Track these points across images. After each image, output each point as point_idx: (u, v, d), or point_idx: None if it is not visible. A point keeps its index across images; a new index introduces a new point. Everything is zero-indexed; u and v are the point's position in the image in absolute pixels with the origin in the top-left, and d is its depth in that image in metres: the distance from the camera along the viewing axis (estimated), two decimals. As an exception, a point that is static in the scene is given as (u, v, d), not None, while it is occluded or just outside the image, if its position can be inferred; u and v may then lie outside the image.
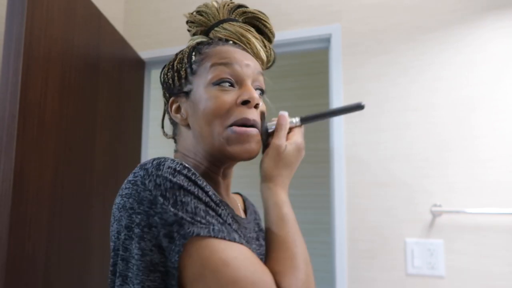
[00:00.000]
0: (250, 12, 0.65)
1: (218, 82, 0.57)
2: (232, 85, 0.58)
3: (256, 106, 0.58)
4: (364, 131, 1.50)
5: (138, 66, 1.80)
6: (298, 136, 0.61)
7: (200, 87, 0.58)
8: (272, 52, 0.67)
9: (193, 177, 0.47)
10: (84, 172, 1.29)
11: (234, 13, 0.66)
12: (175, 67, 0.63)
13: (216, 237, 0.44)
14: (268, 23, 0.65)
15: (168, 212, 0.44)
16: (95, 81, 1.37)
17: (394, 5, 1.53)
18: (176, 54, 0.65)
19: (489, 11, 1.41)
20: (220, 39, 0.63)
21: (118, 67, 1.57)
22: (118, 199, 0.50)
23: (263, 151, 0.62)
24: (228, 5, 0.66)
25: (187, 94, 0.61)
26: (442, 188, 1.38)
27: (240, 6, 0.66)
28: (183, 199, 0.45)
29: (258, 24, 0.66)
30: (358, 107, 0.58)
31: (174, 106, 0.63)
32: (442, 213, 1.36)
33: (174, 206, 0.45)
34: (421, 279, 1.36)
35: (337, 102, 1.54)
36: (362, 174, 1.48)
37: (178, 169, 0.47)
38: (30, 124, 1.02)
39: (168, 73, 0.64)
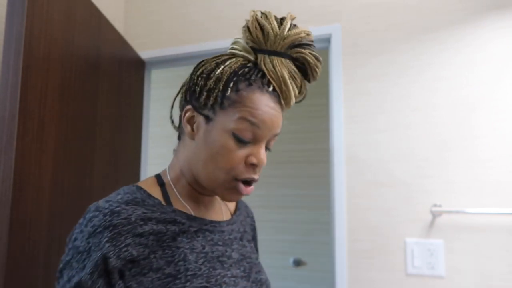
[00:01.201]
0: (303, 53, 0.59)
1: (238, 138, 0.58)
2: (249, 142, 0.59)
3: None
4: (364, 131, 1.50)
5: (138, 66, 1.80)
6: None
7: (220, 125, 0.58)
8: (303, 95, 0.64)
9: (98, 245, 0.52)
10: (84, 172, 1.29)
11: (291, 50, 0.59)
12: (209, 84, 0.59)
13: None
14: (315, 73, 0.61)
15: (61, 262, 0.56)
16: (95, 81, 1.37)
17: (394, 5, 1.53)
18: (217, 63, 0.60)
19: (489, 11, 1.41)
20: (262, 82, 0.59)
21: (118, 67, 1.57)
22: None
23: None
24: (289, 38, 0.58)
25: (207, 119, 0.60)
26: (442, 188, 1.38)
27: (301, 45, 0.59)
28: (73, 263, 0.54)
29: (307, 68, 0.60)
30: None
31: (188, 114, 0.62)
32: (442, 213, 1.36)
33: (64, 262, 0.54)
34: (421, 279, 1.36)
35: (337, 102, 1.54)
36: (362, 174, 1.48)
37: (93, 230, 0.53)
38: (30, 124, 1.02)
39: (199, 80, 0.60)
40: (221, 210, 0.72)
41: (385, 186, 1.44)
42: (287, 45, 0.59)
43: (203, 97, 0.60)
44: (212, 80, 0.59)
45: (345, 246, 1.45)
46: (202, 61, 0.63)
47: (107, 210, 0.54)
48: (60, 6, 1.17)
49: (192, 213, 0.64)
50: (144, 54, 1.86)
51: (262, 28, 0.59)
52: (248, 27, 0.61)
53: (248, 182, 0.60)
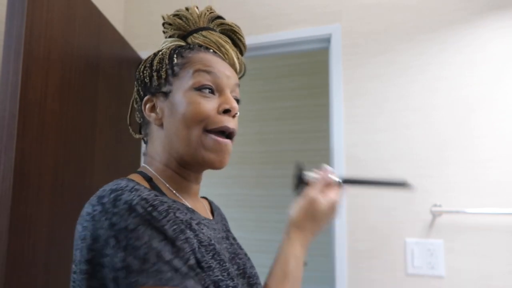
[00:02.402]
0: (227, 25, 0.68)
1: (200, 88, 0.58)
2: (212, 92, 0.60)
3: (234, 116, 0.60)
4: (364, 131, 1.50)
5: (138, 66, 1.80)
6: (336, 195, 0.63)
7: (181, 90, 0.59)
8: (243, 65, 0.70)
9: (151, 213, 0.45)
10: (84, 172, 1.29)
11: (213, 23, 0.68)
12: (155, 67, 0.62)
13: (165, 285, 0.42)
14: (242, 37, 0.69)
15: (118, 256, 0.42)
16: (95, 81, 1.37)
17: (394, 5, 1.53)
18: (154, 54, 0.65)
19: (489, 11, 1.41)
20: (200, 45, 0.64)
21: (118, 67, 1.57)
22: (79, 227, 0.48)
23: (295, 192, 0.66)
24: (208, 14, 0.67)
25: (166, 94, 0.61)
26: (442, 188, 1.38)
27: (219, 17, 0.68)
28: (135, 243, 0.43)
29: (233, 37, 0.68)
30: (403, 185, 0.61)
31: (148, 105, 0.63)
32: (442, 213, 1.36)
33: (124, 250, 0.43)
34: (421, 279, 1.36)
35: (337, 102, 1.54)
36: (362, 174, 1.48)
37: (134, 203, 0.45)
38: (30, 124, 1.02)
39: (145, 71, 0.64)
40: (206, 210, 0.71)
41: (385, 186, 1.44)
42: (207, 20, 0.66)
43: (154, 78, 0.62)
44: (156, 62, 0.63)
45: (345, 246, 1.45)
46: (139, 64, 0.67)
47: (131, 185, 0.48)
48: (60, 6, 1.17)
49: (189, 205, 0.62)
50: (144, 54, 1.86)
51: (179, 16, 0.67)
52: (167, 22, 0.68)
53: (223, 135, 0.59)
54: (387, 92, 1.49)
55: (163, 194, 0.56)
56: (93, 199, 0.49)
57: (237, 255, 0.65)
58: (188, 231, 0.49)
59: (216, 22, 0.68)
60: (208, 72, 0.59)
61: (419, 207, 1.39)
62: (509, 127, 1.34)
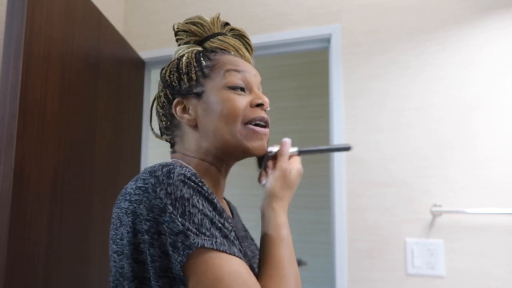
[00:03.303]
0: (237, 30, 0.73)
1: (233, 87, 0.63)
2: (243, 89, 0.64)
3: (266, 109, 0.65)
4: (364, 131, 1.50)
5: (138, 66, 1.80)
6: (298, 163, 0.68)
7: (214, 90, 0.63)
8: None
9: (202, 187, 0.50)
10: (84, 172, 1.29)
11: (224, 28, 0.72)
12: (183, 70, 0.65)
13: (218, 249, 0.46)
14: (250, 41, 0.74)
15: (176, 222, 0.46)
16: (95, 81, 1.37)
17: (394, 5, 1.53)
18: (178, 59, 0.68)
19: (488, 11, 1.41)
20: (222, 49, 0.68)
21: (118, 67, 1.57)
22: (125, 204, 0.51)
23: (260, 168, 0.69)
24: (219, 20, 0.72)
25: (199, 95, 0.64)
26: (442, 188, 1.38)
27: (227, 23, 0.73)
28: (191, 210, 0.47)
29: (243, 41, 0.73)
30: (346, 148, 0.68)
31: (179, 107, 0.65)
32: (442, 213, 1.36)
33: (182, 216, 0.47)
34: (421, 279, 1.36)
35: (337, 102, 1.54)
36: (362, 174, 1.48)
37: (188, 175, 0.50)
38: (30, 124, 1.02)
39: (172, 75, 0.66)
40: (227, 208, 0.73)
41: (385, 186, 1.44)
42: (220, 26, 0.71)
43: (184, 81, 0.65)
44: (183, 66, 0.65)
45: (345, 246, 1.45)
46: (162, 69, 0.69)
47: (179, 164, 0.53)
48: (60, 6, 1.17)
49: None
50: (144, 54, 1.86)
51: (193, 23, 0.70)
52: (181, 30, 0.71)
53: (260, 126, 0.64)
54: (387, 92, 1.49)
55: None
56: (143, 174, 0.51)
57: (255, 256, 0.68)
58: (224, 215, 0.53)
59: (227, 28, 0.72)
60: (238, 71, 0.64)
61: (419, 207, 1.39)
62: (509, 127, 1.34)
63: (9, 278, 0.94)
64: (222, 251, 0.46)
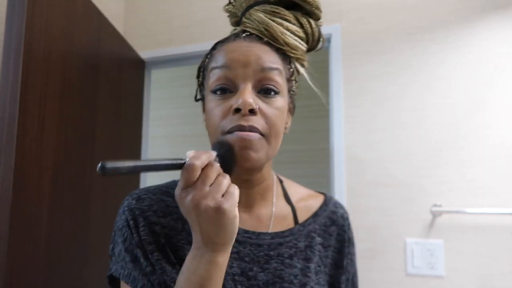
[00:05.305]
0: None
1: (215, 90, 0.52)
2: (226, 91, 0.52)
3: (252, 112, 0.49)
4: (364, 131, 1.50)
5: (138, 66, 1.80)
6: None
7: (207, 95, 0.55)
8: (312, 29, 0.57)
9: (130, 222, 0.53)
10: (84, 172, 1.29)
11: None
12: (198, 70, 0.60)
13: (123, 280, 0.51)
14: (287, 15, 0.56)
15: (110, 246, 0.56)
16: (95, 81, 1.37)
17: (394, 5, 1.53)
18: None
19: (488, 11, 1.41)
20: (237, 33, 0.56)
21: (118, 67, 1.57)
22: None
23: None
24: None
25: (203, 100, 0.60)
26: (442, 188, 1.38)
27: None
28: (116, 239, 0.54)
29: (277, 14, 0.56)
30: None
31: (202, 108, 0.61)
32: (442, 213, 1.36)
33: (112, 242, 0.55)
34: (421, 279, 1.36)
35: (337, 102, 1.54)
36: (362, 174, 1.48)
37: (120, 212, 0.55)
38: (30, 124, 1.02)
39: (197, 72, 0.61)
40: (270, 219, 0.59)
41: (385, 186, 1.44)
42: None
43: (199, 83, 0.61)
44: (199, 65, 0.60)
45: (345, 246, 1.45)
46: None
47: (135, 196, 0.56)
48: (60, 6, 1.17)
49: None
50: (144, 54, 1.86)
51: (230, 2, 0.62)
52: (224, 9, 0.63)
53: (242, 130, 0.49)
54: (387, 92, 1.49)
55: None
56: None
57: (283, 281, 0.53)
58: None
59: None
60: (220, 67, 0.52)
61: (419, 207, 1.39)
62: (509, 127, 1.34)
63: (9, 278, 0.94)
64: (126, 283, 0.51)
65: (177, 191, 0.43)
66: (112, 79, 1.51)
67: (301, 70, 0.61)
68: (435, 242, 1.36)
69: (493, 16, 1.40)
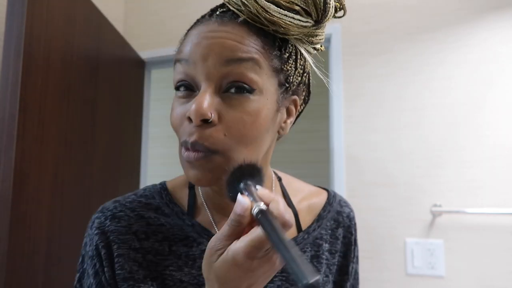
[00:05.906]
0: None
1: (177, 87, 0.43)
2: (188, 88, 0.43)
3: (208, 122, 0.40)
4: (364, 131, 1.50)
5: (138, 66, 1.80)
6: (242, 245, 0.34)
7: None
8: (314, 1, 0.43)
9: (101, 251, 0.47)
10: (84, 172, 1.29)
11: None
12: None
13: None
14: None
15: (76, 274, 0.51)
16: (95, 81, 1.37)
17: (394, 5, 1.53)
18: None
19: (488, 11, 1.41)
20: (212, 11, 0.45)
21: (118, 67, 1.57)
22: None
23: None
24: None
25: None
26: (442, 188, 1.38)
27: None
28: (86, 269, 0.49)
29: None
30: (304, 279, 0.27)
31: None
32: (442, 213, 1.36)
33: (79, 270, 0.50)
34: (421, 279, 1.36)
35: (337, 102, 1.54)
36: (361, 174, 1.48)
37: (90, 232, 0.49)
38: (30, 124, 1.02)
39: None
40: None
41: (385, 186, 1.44)
42: None
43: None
44: None
45: (345, 246, 1.45)
46: None
47: (109, 213, 0.47)
48: (60, 6, 1.17)
49: (217, 229, 0.48)
50: (144, 54, 1.86)
51: None
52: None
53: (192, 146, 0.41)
54: (387, 92, 1.49)
55: (192, 210, 0.49)
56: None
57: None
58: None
59: None
60: (180, 61, 0.42)
61: (419, 207, 1.39)
62: (509, 127, 1.34)
63: (9, 278, 0.94)
64: None
65: (242, 252, 0.32)
66: (112, 79, 1.51)
67: (305, 53, 0.49)
68: (435, 242, 1.36)
69: (493, 16, 1.40)
